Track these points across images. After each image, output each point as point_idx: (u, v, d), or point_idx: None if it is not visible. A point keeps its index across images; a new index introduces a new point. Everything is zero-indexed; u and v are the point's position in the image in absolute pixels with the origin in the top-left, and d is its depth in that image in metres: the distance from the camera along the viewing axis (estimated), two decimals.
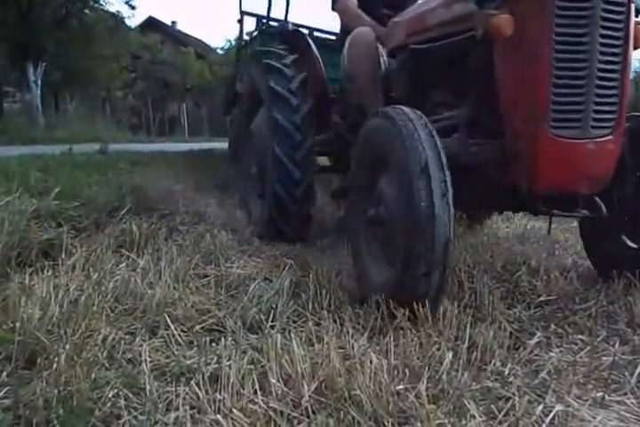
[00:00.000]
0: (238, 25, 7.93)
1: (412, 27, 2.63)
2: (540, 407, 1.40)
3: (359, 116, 2.98)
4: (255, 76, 3.56)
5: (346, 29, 3.31)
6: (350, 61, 2.97)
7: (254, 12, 7.37)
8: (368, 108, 2.78)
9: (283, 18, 6.68)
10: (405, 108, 2.01)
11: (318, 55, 3.44)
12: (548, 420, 1.36)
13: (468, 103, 2.29)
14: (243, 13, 7.49)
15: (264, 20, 6.97)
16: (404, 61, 2.67)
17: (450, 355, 1.58)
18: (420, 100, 2.52)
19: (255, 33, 6.83)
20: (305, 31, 4.70)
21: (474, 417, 1.31)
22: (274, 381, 1.44)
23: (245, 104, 3.94)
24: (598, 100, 1.99)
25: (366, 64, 2.86)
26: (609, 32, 1.96)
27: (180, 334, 1.77)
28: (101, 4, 17.62)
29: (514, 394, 1.47)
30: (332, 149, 3.48)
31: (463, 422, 1.32)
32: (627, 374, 1.64)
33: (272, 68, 3.32)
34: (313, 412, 1.35)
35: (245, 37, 7.37)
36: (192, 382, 1.46)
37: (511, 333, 1.89)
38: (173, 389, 1.44)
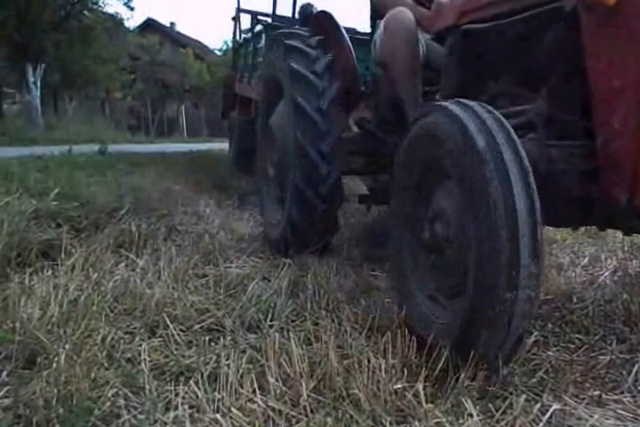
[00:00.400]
0: (233, 23, 7.84)
1: (469, 4, 2.21)
2: (538, 406, 1.41)
3: (392, 111, 2.71)
4: (275, 63, 3.16)
5: (379, 11, 2.91)
6: (385, 47, 2.58)
7: (255, 11, 7.27)
8: (405, 102, 2.51)
9: (277, 14, 6.38)
10: (472, 103, 1.63)
11: (348, 39, 3.08)
12: (545, 418, 1.37)
13: (545, 94, 1.84)
14: (239, 11, 7.39)
15: (258, 17, 6.85)
16: (455, 45, 2.25)
17: (447, 354, 1.59)
18: (473, 91, 2.09)
19: (258, 30, 6.48)
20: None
21: (471, 416, 1.32)
22: (272, 380, 1.45)
23: (264, 97, 3.50)
24: None
25: (405, 50, 2.47)
26: None
27: (179, 334, 1.78)
28: (100, 6, 17.66)
29: (511, 393, 1.48)
30: (361, 148, 3.05)
31: (461, 420, 1.32)
32: (624, 372, 1.65)
33: (294, 48, 2.92)
34: (311, 411, 1.36)
35: (245, 36, 7.23)
36: (191, 381, 1.46)
37: None
38: (172, 388, 1.45)
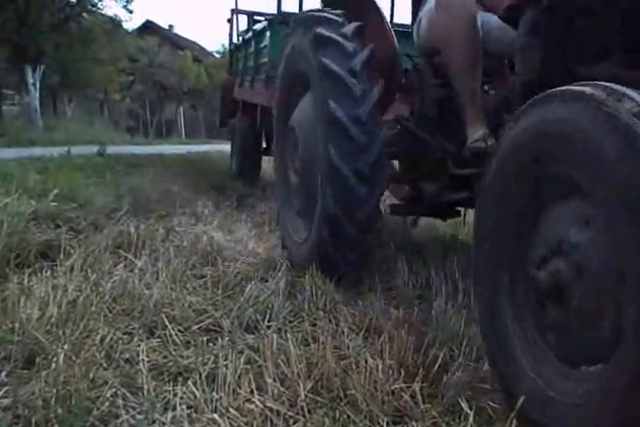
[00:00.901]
0: (229, 25, 7.73)
1: None
2: None
3: (437, 107, 2.38)
4: (299, 54, 2.67)
5: None
6: (437, 29, 2.22)
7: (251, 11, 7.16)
8: (461, 94, 2.17)
9: (276, 12, 6.06)
10: (618, 86, 1.16)
11: (388, 22, 2.68)
12: None
13: None
14: (234, 12, 7.29)
15: (255, 17, 6.74)
16: (536, 21, 1.80)
17: (444, 355, 1.60)
18: (562, 77, 1.61)
19: (261, 27, 6.13)
20: None
21: (468, 416, 1.32)
22: (270, 380, 1.46)
23: (282, 94, 3.06)
24: None
25: (464, 32, 2.09)
26: None
27: (177, 334, 1.78)
28: (99, 8, 17.70)
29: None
30: (398, 151, 2.60)
31: (457, 420, 1.34)
32: None
33: (326, 40, 2.39)
34: (309, 411, 1.37)
35: (244, 37, 7.10)
36: (189, 381, 1.47)
37: None
38: (171, 388, 1.45)
